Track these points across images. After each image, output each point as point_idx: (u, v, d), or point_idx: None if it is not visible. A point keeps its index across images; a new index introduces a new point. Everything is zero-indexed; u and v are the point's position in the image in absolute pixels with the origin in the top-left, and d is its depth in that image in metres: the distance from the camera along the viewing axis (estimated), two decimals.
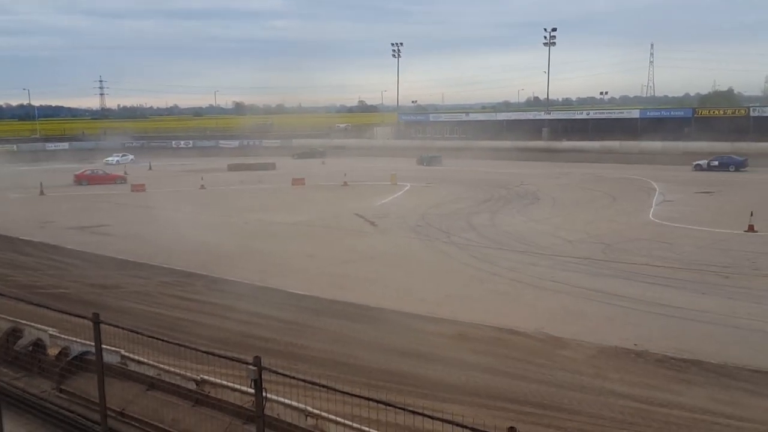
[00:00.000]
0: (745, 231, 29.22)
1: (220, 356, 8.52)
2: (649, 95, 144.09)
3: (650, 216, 34.83)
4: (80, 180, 56.25)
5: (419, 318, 17.97)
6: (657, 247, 26.96)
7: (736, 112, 73.97)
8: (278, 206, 41.20)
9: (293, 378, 7.71)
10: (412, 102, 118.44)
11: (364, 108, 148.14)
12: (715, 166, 54.02)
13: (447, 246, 28.50)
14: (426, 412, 6.76)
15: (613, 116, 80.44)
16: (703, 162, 54.83)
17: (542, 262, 24.99)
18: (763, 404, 12.33)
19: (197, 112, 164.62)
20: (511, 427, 5.72)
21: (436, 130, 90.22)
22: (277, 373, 7.81)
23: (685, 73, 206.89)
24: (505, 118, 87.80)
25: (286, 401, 8.30)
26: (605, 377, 13.70)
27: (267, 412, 7.98)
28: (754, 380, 13.40)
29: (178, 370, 9.46)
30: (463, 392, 12.86)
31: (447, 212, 37.43)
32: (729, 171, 52.89)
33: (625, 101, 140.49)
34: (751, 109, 75.30)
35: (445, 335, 16.49)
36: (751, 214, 29.74)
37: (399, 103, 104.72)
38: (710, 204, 38.36)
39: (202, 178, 53.79)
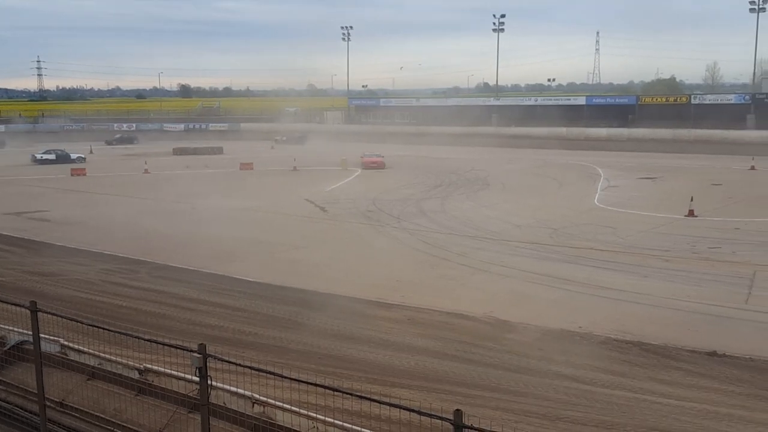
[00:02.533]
0: (685, 216, 30.04)
1: (163, 344, 8.33)
2: (595, 82, 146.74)
3: (595, 201, 35.51)
4: None
5: (369, 303, 17.98)
6: (602, 232, 27.51)
7: (678, 100, 75.83)
8: (226, 191, 40.61)
9: (239, 365, 7.61)
10: (363, 86, 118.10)
11: (313, 92, 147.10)
12: None
13: (398, 231, 28.55)
14: (374, 396, 6.76)
15: (560, 103, 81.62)
16: None
17: (491, 247, 25.26)
18: (701, 383, 12.70)
19: (140, 95, 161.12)
20: (457, 410, 5.70)
21: (386, 115, 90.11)
22: (223, 360, 7.70)
23: (629, 61, 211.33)
24: (456, 104, 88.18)
25: (233, 389, 8.18)
26: (551, 359, 13.91)
27: (213, 400, 7.86)
28: (693, 360, 13.80)
29: (120, 359, 9.24)
30: (412, 376, 12.91)
31: (398, 198, 37.48)
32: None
33: (572, 88, 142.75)
34: (692, 96, 77.29)
35: (395, 320, 16.53)
36: (691, 199, 30.57)
37: (349, 88, 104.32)
38: (653, 189, 39.31)
39: (146, 163, 52.65)
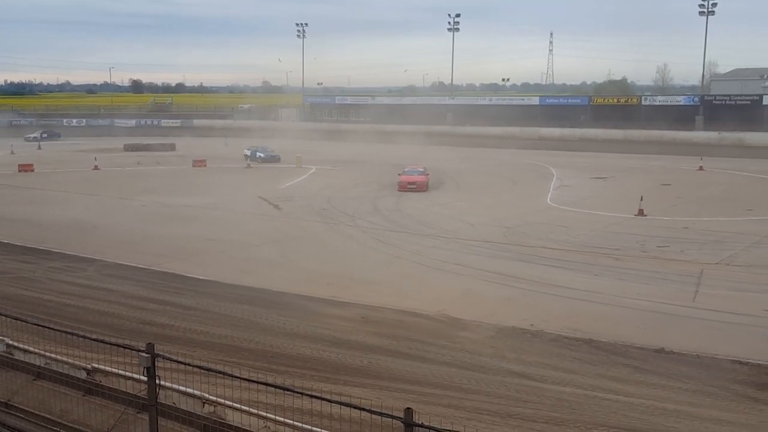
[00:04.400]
0: (635, 215, 30.63)
1: (110, 344, 8.17)
2: (548, 83, 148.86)
3: (548, 200, 35.97)
4: None
5: (322, 302, 17.88)
6: (554, 231, 27.87)
7: (629, 101, 77.39)
8: (178, 188, 40.00)
9: (188, 365, 7.50)
10: (318, 84, 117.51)
11: (268, 89, 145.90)
12: None
13: (352, 229, 28.49)
14: (325, 395, 6.72)
15: (515, 103, 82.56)
16: None
17: (446, 246, 25.38)
18: (648, 380, 12.94)
19: (90, 90, 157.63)
20: (408, 409, 5.70)
21: (341, 113, 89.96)
22: (171, 359, 7.57)
23: (582, 62, 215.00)
24: (411, 103, 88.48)
25: (182, 389, 8.06)
26: (503, 357, 14.04)
27: (162, 400, 7.73)
28: (642, 357, 14.06)
29: (67, 359, 9.04)
30: (364, 375, 12.90)
31: (352, 196, 37.41)
32: None
33: (526, 88, 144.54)
34: (642, 97, 78.97)
35: (348, 318, 16.48)
36: (641, 199, 31.18)
37: (304, 85, 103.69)
38: (604, 189, 40.00)
39: (95, 159, 51.48)
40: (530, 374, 13.12)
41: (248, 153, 55.03)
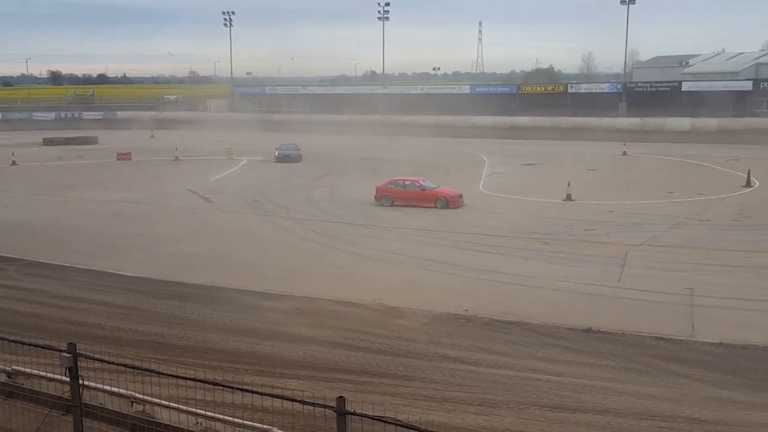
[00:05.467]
0: (563, 200, 31.36)
1: (30, 344, 7.87)
2: (479, 71, 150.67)
3: (480, 187, 36.45)
4: None
5: (256, 294, 17.67)
6: (487, 217, 28.28)
7: (556, 89, 79.05)
8: (102, 183, 38.83)
9: (113, 363, 7.28)
10: (247, 74, 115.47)
11: (195, 79, 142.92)
12: None
13: (286, 221, 28.24)
14: (258, 389, 6.64)
15: (446, 91, 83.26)
16: None
17: (381, 235, 25.44)
18: (578, 359, 13.30)
19: (7, 82, 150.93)
20: (340, 397, 5.68)
21: (272, 103, 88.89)
22: (94, 359, 7.34)
23: (511, 51, 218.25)
24: (343, 92, 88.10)
25: (109, 388, 7.83)
26: (438, 343, 14.18)
27: (89, 400, 7.50)
28: (571, 338, 14.43)
29: None
30: (300, 367, 12.83)
31: (286, 187, 37.07)
32: None
33: (457, 77, 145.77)
34: (569, 85, 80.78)
35: (283, 311, 16.35)
36: (569, 185, 31.93)
37: (233, 75, 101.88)
38: (534, 175, 40.79)
39: (13, 154, 49.41)
40: (465, 358, 13.30)
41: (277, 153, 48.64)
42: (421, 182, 31.62)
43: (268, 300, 17.23)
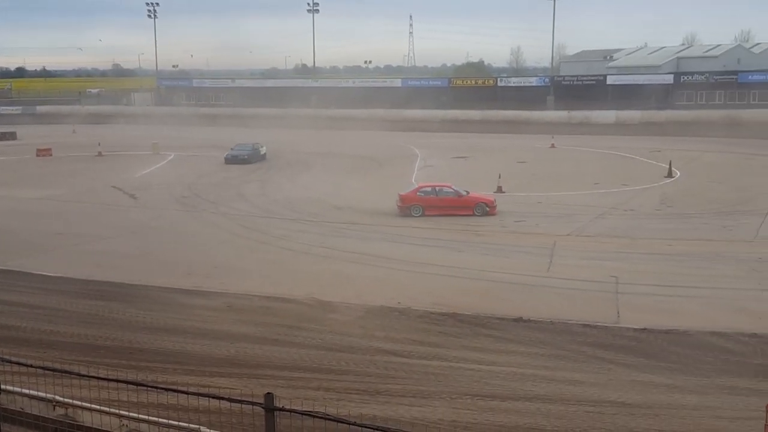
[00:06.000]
0: (494, 192, 31.75)
1: None
2: (410, 65, 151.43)
3: (413, 180, 36.54)
4: None
5: (184, 292, 17.30)
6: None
7: (486, 82, 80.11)
8: (21, 180, 37.29)
9: (31, 366, 7.00)
10: (173, 66, 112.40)
11: (119, 72, 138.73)
12: None
13: (215, 217, 27.73)
14: (184, 388, 6.47)
15: (377, 85, 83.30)
16: None
17: (313, 229, 25.26)
18: (508, 348, 13.52)
19: None
20: (268, 393, 5.58)
21: (200, 97, 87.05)
22: (13, 362, 7.03)
23: (442, 44, 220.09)
24: (274, 85, 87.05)
25: (29, 392, 7.50)
26: (372, 336, 14.17)
27: (8, 405, 7.18)
28: (502, 327, 14.64)
29: None
30: (231, 365, 12.61)
31: (215, 182, 36.39)
32: None
33: (389, 70, 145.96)
34: (498, 79, 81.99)
35: (213, 308, 16.05)
36: (499, 177, 32.38)
37: (158, 67, 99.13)
38: (465, 168, 41.16)
39: None
40: (398, 351, 13.34)
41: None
42: (453, 187, 28.12)
43: (196, 297, 16.88)
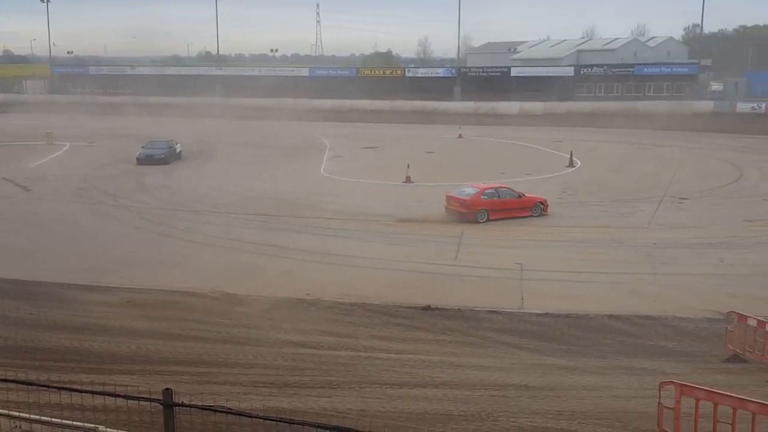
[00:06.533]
0: (403, 182, 32.04)
1: None
2: (318, 54, 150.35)
3: (322, 171, 36.42)
4: None
5: (83, 288, 16.62)
6: (328, 201, 28.28)
7: (394, 73, 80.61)
8: None
9: None
10: (68, 53, 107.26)
11: (9, 58, 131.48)
12: None
13: (115, 209, 26.73)
14: (79, 387, 6.20)
15: (284, 74, 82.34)
16: None
17: (218, 221, 24.74)
18: (417, 336, 13.65)
19: None
20: (167, 389, 5.40)
21: (98, 85, 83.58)
22: None
23: (350, 34, 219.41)
24: (176, 73, 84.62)
25: None
26: (279, 328, 14.01)
27: None
28: (410, 316, 14.78)
29: None
30: (133, 361, 12.17)
31: (114, 173, 35.06)
32: None
33: (296, 59, 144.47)
34: (406, 69, 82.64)
35: (113, 304, 15.47)
36: (408, 167, 32.64)
37: (52, 54, 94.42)
38: (374, 158, 41.33)
39: None
40: (307, 342, 13.23)
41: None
42: (511, 188, 26.23)
43: (95, 293, 16.23)
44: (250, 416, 5.09)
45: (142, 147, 38.98)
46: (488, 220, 24.54)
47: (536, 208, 25.38)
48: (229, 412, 5.12)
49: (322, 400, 10.10)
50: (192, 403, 5.37)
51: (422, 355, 12.49)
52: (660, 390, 9.17)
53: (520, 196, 25.60)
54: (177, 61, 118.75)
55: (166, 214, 25.88)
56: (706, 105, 60.24)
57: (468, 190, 25.36)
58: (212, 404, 5.34)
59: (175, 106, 66.82)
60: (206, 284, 16.91)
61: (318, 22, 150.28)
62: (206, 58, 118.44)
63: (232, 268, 18.80)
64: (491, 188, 25.73)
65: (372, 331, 13.95)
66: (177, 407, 5.41)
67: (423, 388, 10.79)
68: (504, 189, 25.81)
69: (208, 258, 20.00)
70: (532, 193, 26.63)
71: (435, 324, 14.28)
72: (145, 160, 37.49)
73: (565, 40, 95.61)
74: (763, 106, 57.19)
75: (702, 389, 9.09)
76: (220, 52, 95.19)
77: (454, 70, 77.84)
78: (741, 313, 12.44)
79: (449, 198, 25.31)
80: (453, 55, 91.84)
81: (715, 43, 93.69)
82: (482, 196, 25.03)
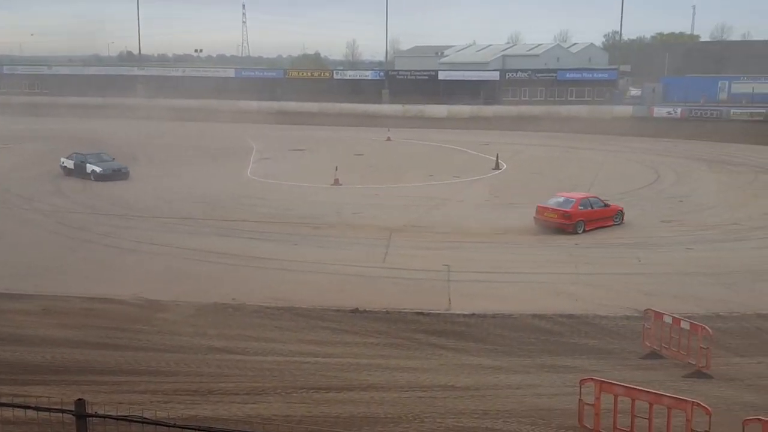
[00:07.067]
0: (331, 184, 31.92)
1: None
2: (245, 55, 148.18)
3: (248, 174, 35.92)
4: None
5: None
6: (255, 203, 27.94)
7: (322, 75, 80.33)
8: None
9: None
10: None
11: None
12: None
13: (30, 214, 25.70)
14: None
15: (209, 75, 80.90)
16: None
17: (141, 225, 24.08)
18: (345, 339, 13.58)
19: None
20: (79, 400, 5.17)
21: (12, 84, 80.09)
22: None
23: (277, 35, 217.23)
24: (96, 73, 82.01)
25: None
26: (204, 334, 13.71)
27: None
28: (338, 319, 14.69)
29: None
30: (48, 372, 11.70)
31: (30, 176, 33.67)
32: None
33: (222, 60, 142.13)
34: (334, 72, 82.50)
35: (27, 312, 14.86)
36: (336, 169, 32.55)
37: None
38: (302, 161, 41.03)
39: None
40: (232, 348, 12.99)
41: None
42: (599, 197, 25.30)
43: (8, 301, 15.53)
44: (168, 425, 4.92)
45: (96, 162, 33.31)
46: (584, 230, 23.69)
47: (618, 217, 24.78)
48: (144, 421, 4.93)
49: (246, 407, 9.93)
50: (106, 413, 5.16)
51: (350, 358, 12.43)
52: (580, 387, 9.40)
53: (606, 205, 24.88)
54: (97, 60, 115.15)
55: (85, 218, 25.01)
56: (625, 110, 62.40)
57: (564, 200, 24.35)
58: (127, 414, 5.14)
59: (94, 106, 64.76)
60: (127, 291, 16.39)
61: (244, 22, 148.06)
62: (128, 58, 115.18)
63: (154, 273, 18.29)
64: (584, 198, 24.86)
65: (299, 335, 13.80)
66: (90, 418, 5.18)
67: (350, 392, 10.73)
68: (594, 198, 25.02)
69: (130, 264, 19.41)
70: (614, 202, 25.70)
71: (363, 327, 14.24)
72: (109, 176, 32.47)
73: (490, 45, 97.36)
74: (679, 110, 59.62)
75: (620, 385, 9.37)
76: (142, 52, 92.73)
77: (382, 73, 78.15)
78: (657, 310, 12.88)
79: (542, 209, 24.15)
80: (381, 57, 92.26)
81: (633, 49, 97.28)
82: (579, 207, 24.18)
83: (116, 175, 32.90)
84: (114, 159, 34.68)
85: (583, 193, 26.07)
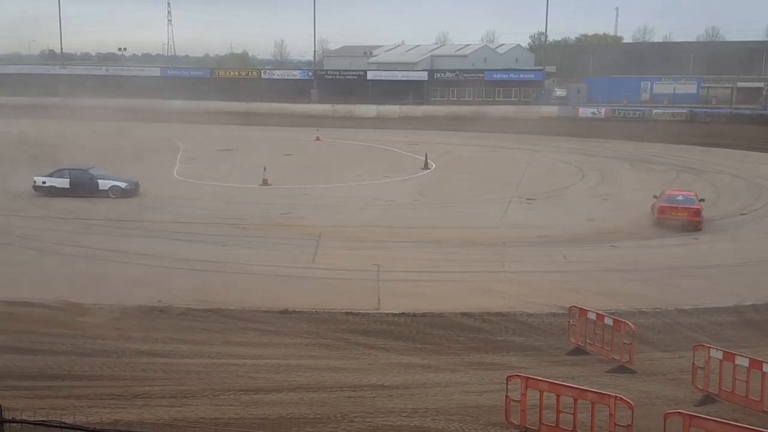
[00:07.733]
0: (260, 185, 31.65)
1: None
2: (170, 54, 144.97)
3: (175, 174, 35.25)
4: None
5: None
6: (181, 204, 27.46)
7: (250, 74, 79.43)
8: None
9: None
10: None
11: None
12: None
13: None
14: None
15: (134, 73, 78.91)
16: None
17: (63, 227, 23.39)
18: (273, 340, 13.53)
19: None
20: None
21: None
22: None
23: (204, 34, 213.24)
24: (16, 72, 79.00)
25: None
26: (128, 338, 13.42)
27: None
28: (266, 320, 14.61)
29: None
30: None
31: None
32: None
33: (147, 59, 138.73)
34: (262, 71, 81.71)
35: None
36: (264, 169, 32.27)
37: None
38: (230, 161, 40.47)
39: None
40: (158, 351, 12.77)
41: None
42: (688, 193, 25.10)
43: None
44: (86, 429, 4.83)
45: (110, 178, 29.57)
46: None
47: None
48: (62, 426, 4.83)
49: (173, 410, 9.78)
50: (23, 418, 5.03)
51: (278, 359, 12.39)
52: (507, 384, 9.63)
53: (702, 201, 24.89)
54: (17, 59, 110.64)
55: (3, 220, 24.03)
56: (551, 110, 63.96)
57: (686, 199, 24.20)
58: (45, 419, 5.02)
59: (14, 106, 62.19)
60: (49, 294, 15.90)
61: (170, 21, 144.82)
62: (49, 56, 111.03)
63: (77, 276, 17.81)
64: (694, 195, 24.86)
65: (227, 337, 13.67)
66: (7, 423, 5.05)
67: (279, 393, 10.70)
68: (681, 196, 25.10)
69: (51, 266, 18.83)
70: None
71: (292, 327, 14.20)
72: (125, 193, 28.73)
73: (419, 45, 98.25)
74: (602, 111, 61.51)
75: (545, 381, 9.64)
76: (64, 51, 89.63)
77: (310, 73, 77.91)
78: (582, 307, 13.28)
79: (667, 208, 23.82)
80: (309, 57, 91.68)
81: (558, 50, 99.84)
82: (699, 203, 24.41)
83: (137, 189, 29.61)
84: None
85: (684, 190, 26.46)
